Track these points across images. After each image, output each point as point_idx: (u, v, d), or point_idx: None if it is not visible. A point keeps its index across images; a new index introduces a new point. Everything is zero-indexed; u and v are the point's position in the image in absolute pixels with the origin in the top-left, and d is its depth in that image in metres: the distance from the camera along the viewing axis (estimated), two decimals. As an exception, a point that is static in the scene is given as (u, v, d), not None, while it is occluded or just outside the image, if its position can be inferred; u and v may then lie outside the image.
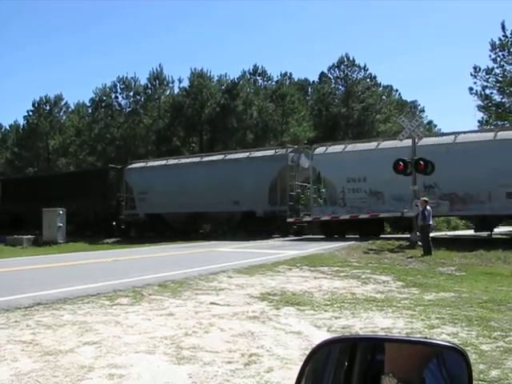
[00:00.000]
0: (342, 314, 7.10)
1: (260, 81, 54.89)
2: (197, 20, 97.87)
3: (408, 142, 20.21)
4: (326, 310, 7.31)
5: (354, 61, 51.51)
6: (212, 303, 7.79)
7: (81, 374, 4.45)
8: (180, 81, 52.93)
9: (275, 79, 54.86)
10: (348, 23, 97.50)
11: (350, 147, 26.42)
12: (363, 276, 11.20)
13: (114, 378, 4.40)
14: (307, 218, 26.59)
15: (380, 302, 8.02)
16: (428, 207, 16.52)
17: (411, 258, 15.33)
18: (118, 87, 53.63)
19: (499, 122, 37.14)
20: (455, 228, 42.89)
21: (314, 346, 1.56)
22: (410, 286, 9.95)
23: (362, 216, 24.86)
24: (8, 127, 67.42)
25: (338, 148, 27.02)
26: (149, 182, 32.86)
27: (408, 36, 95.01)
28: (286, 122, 48.97)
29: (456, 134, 23.91)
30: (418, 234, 17.80)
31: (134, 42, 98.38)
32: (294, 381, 1.50)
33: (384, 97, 55.65)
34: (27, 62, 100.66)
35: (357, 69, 51.64)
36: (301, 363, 1.53)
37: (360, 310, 7.31)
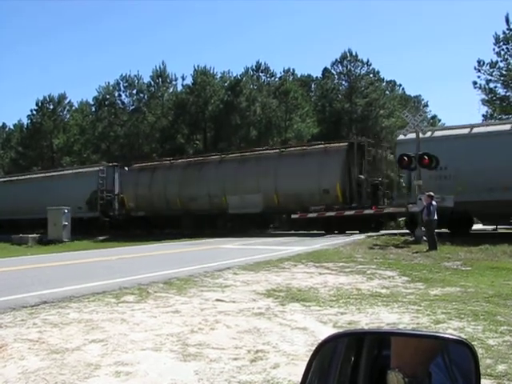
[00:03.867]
0: (348, 309, 7.11)
1: (263, 77, 54.69)
2: (199, 17, 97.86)
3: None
4: (331, 306, 7.31)
5: (356, 56, 51.29)
6: (218, 300, 7.80)
7: (88, 372, 4.47)
8: (183, 78, 52.88)
9: (278, 75, 54.70)
10: (351, 18, 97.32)
11: None
12: (368, 271, 11.19)
13: (120, 375, 4.41)
14: (312, 215, 26.39)
15: (385, 297, 8.01)
16: (433, 202, 16.49)
17: (416, 253, 15.30)
18: (121, 85, 53.60)
19: (504, 116, 36.98)
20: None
21: (320, 340, 1.56)
22: (416, 281, 9.94)
23: (366, 212, 24.84)
24: (12, 127, 67.66)
25: None
26: None
27: (411, 30, 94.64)
28: (290, 119, 48.83)
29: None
30: (423, 229, 17.77)
31: (136, 39, 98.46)
32: (301, 377, 1.50)
33: (387, 92, 55.43)
34: (30, 62, 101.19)
35: (360, 64, 51.42)
36: (307, 359, 1.53)
37: (366, 306, 7.31)
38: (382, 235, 21.06)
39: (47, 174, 39.18)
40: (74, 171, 37.60)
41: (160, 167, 33.43)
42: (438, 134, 22.96)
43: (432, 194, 16.78)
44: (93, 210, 33.76)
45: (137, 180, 33.19)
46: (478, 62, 35.85)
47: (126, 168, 35.35)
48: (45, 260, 15.78)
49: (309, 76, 59.63)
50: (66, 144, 56.23)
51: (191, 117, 49.03)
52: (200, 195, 29.81)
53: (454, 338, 1.44)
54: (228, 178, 29.13)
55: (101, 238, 30.17)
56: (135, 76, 53.15)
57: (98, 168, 35.35)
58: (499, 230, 25.23)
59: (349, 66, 51.38)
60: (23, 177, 41.69)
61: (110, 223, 34.04)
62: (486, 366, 4.48)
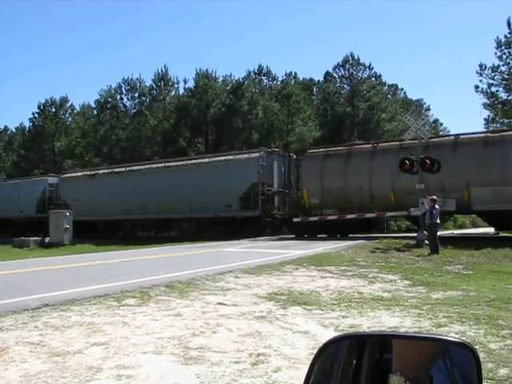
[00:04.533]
0: (350, 313, 7.09)
1: (265, 81, 54.91)
2: (201, 20, 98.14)
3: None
4: (333, 310, 7.30)
5: (358, 60, 51.43)
6: (219, 303, 7.79)
7: (89, 375, 4.46)
8: (185, 81, 53.11)
9: (280, 79, 54.90)
10: (353, 22, 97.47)
11: None
12: (370, 275, 11.18)
13: (122, 378, 4.40)
14: (313, 218, 26.29)
15: (387, 301, 8.00)
16: (436, 206, 16.48)
17: (418, 256, 15.29)
18: (123, 88, 53.83)
19: (505, 120, 36.98)
20: (462, 226, 42.85)
21: (321, 344, 1.56)
22: (417, 284, 9.93)
23: (368, 215, 24.80)
24: (14, 130, 67.87)
25: None
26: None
27: (413, 34, 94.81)
28: (292, 122, 48.93)
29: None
30: (424, 232, 17.76)
31: (138, 43, 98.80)
32: (303, 380, 1.50)
33: (389, 96, 55.53)
34: (32, 65, 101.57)
35: (362, 68, 51.55)
36: (308, 362, 1.53)
37: (367, 309, 7.29)
38: (384, 238, 21.03)
39: (182, 163, 31.95)
40: (222, 158, 30.09)
41: (357, 153, 25.67)
42: None
43: (435, 197, 16.77)
44: (249, 207, 27.35)
45: (322, 169, 25.70)
46: (480, 65, 35.92)
47: (293, 155, 28.29)
48: (46, 263, 15.77)
49: (311, 80, 59.78)
50: (67, 147, 56.35)
51: (193, 120, 49.13)
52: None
53: (456, 340, 1.44)
54: (470, 165, 22.28)
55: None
56: (137, 79, 53.45)
57: (257, 154, 28.06)
58: (501, 234, 25.21)
59: (351, 70, 51.54)
60: (144, 166, 34.33)
61: (271, 224, 27.93)
62: (488, 370, 4.47)
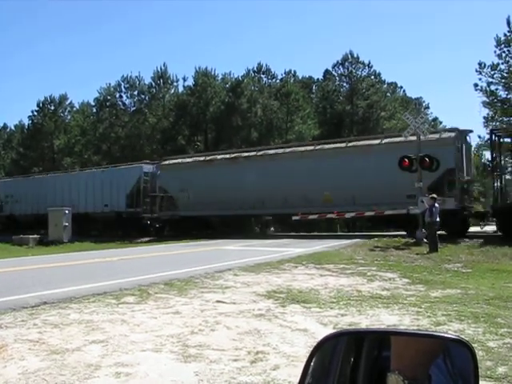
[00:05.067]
0: (348, 311, 7.10)
1: (264, 79, 54.71)
2: (200, 19, 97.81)
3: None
4: (332, 308, 7.31)
5: (358, 58, 51.32)
6: (218, 301, 7.79)
7: (88, 373, 4.46)
8: (184, 79, 52.97)
9: (279, 77, 54.74)
10: (352, 20, 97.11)
11: None
12: (369, 273, 11.19)
13: (120, 376, 4.41)
14: (313, 216, 26.01)
15: (386, 299, 8.01)
16: (436, 204, 16.50)
17: (417, 255, 15.30)
18: (122, 86, 53.68)
19: (505, 118, 36.95)
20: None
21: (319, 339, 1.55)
22: (416, 282, 9.93)
23: (367, 213, 24.68)
24: (13, 127, 67.75)
25: None
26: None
27: (412, 34, 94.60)
28: (291, 120, 48.83)
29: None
30: (423, 230, 17.76)
31: (138, 41, 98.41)
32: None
33: (388, 94, 55.47)
34: (32, 63, 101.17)
35: (361, 66, 51.44)
36: (307, 360, 1.52)
37: (366, 308, 7.30)
38: (383, 237, 21.03)
39: (340, 145, 25.84)
40: (396, 140, 22.90)
41: None
42: None
43: (435, 196, 16.79)
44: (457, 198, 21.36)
45: None
46: (479, 64, 35.83)
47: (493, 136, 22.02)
48: (46, 261, 15.78)
49: (310, 78, 59.64)
50: (66, 145, 56.22)
51: (192, 118, 49.06)
52: None
53: (453, 337, 1.44)
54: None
55: None
56: (136, 77, 53.30)
57: (452, 134, 22.31)
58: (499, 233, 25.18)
59: (350, 68, 51.45)
60: (284, 150, 28.11)
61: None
62: (486, 368, 4.48)
